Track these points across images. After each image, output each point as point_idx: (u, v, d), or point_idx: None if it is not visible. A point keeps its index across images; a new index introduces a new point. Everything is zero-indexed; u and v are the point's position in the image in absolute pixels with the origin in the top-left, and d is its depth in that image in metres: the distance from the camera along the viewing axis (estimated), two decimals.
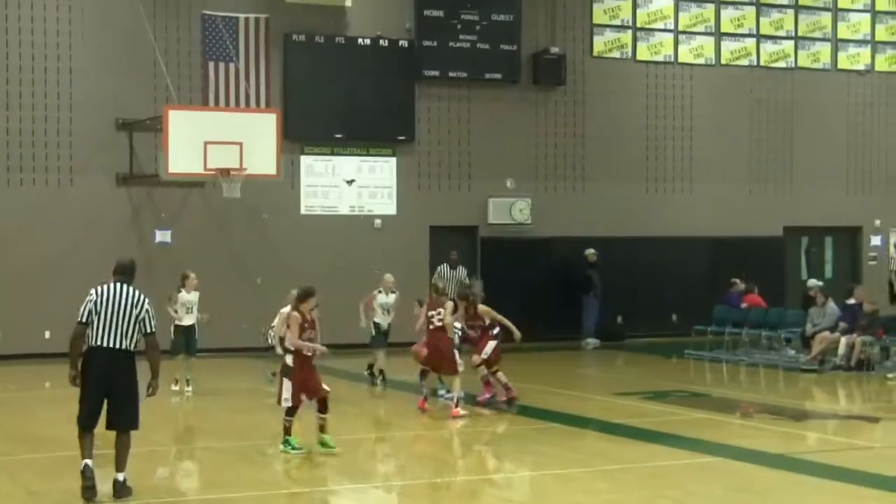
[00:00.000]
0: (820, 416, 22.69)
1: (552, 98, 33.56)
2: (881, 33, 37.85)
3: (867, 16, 37.69)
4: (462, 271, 29.28)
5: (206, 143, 25.88)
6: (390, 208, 32.24)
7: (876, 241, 37.74)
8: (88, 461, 13.42)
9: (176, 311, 23.25)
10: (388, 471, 17.32)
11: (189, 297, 23.38)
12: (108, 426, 13.72)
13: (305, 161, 31.18)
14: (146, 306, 13.77)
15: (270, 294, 29.30)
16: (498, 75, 32.97)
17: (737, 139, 35.65)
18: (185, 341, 23.21)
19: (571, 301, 33.04)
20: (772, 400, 23.98)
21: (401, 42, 32.02)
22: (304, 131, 30.57)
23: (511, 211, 33.22)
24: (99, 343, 13.65)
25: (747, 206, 35.49)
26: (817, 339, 29.01)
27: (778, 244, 36.44)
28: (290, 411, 17.02)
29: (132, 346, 13.62)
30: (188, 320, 23.30)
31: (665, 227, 34.37)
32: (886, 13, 37.88)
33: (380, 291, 24.68)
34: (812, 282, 33.26)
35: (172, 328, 23.08)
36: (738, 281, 32.80)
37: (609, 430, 19.79)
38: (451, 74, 32.51)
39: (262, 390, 22.53)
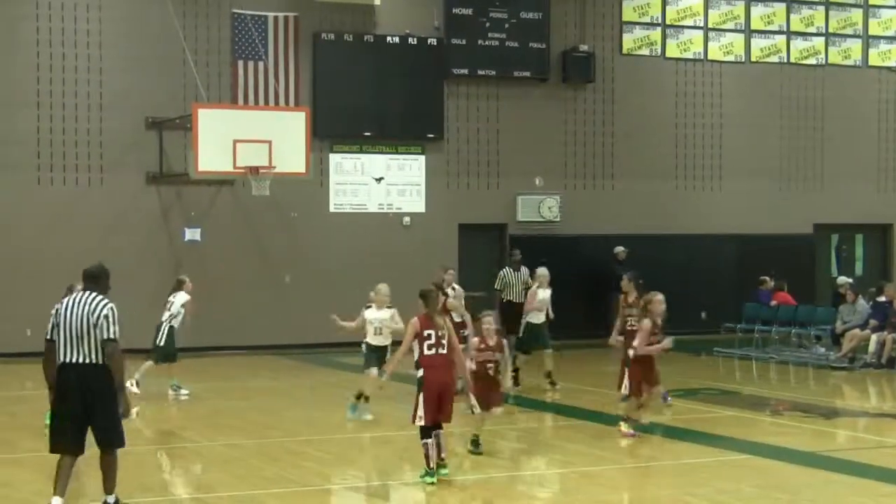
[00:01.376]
0: (850, 414, 22.55)
1: (581, 96, 33.51)
2: None
3: None
4: (525, 273, 27.86)
5: (235, 142, 25.86)
6: (419, 206, 32.22)
7: None
8: (58, 499, 12.42)
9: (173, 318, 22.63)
10: (413, 467, 16.68)
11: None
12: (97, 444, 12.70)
13: (334, 159, 31.15)
14: (104, 311, 12.48)
15: (298, 292, 29.45)
16: (527, 73, 32.95)
17: (766, 136, 35.50)
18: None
19: (600, 299, 32.98)
20: (802, 397, 23.95)
21: (430, 40, 31.96)
22: (333, 129, 30.58)
23: (540, 209, 33.20)
24: (65, 360, 12.60)
25: (777, 204, 35.42)
26: (847, 336, 29.03)
27: (808, 241, 36.37)
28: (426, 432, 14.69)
29: (103, 358, 12.36)
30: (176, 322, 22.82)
31: (694, 225, 34.38)
32: None
33: (368, 306, 20.53)
34: (842, 279, 33.21)
35: (165, 331, 22.72)
36: (767, 279, 32.73)
37: (638, 428, 19.75)
38: (479, 72, 32.45)
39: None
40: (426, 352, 14.75)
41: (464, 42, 32.30)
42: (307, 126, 27.28)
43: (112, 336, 12.32)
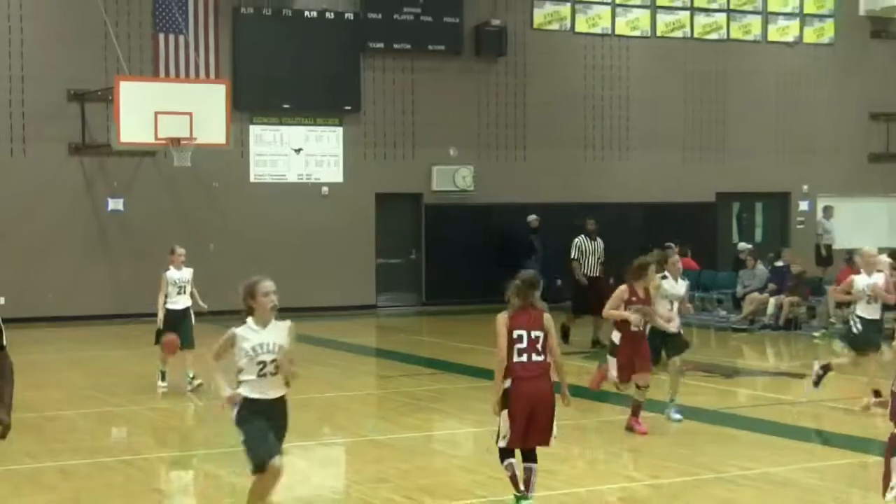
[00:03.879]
0: (750, 373, 23.04)
1: (494, 69, 33.64)
2: (809, 6, 38.03)
3: None
4: (601, 244, 27.26)
5: (156, 113, 25.80)
6: (337, 176, 32.25)
7: (804, 206, 38.12)
8: None
9: (166, 296, 19.22)
10: (332, 429, 17.31)
11: (179, 274, 19.49)
12: None
13: (254, 130, 31.18)
14: None
15: (222, 260, 29.37)
16: (441, 47, 32.99)
17: (671, 109, 35.81)
18: (177, 327, 19.13)
19: (513, 265, 33.05)
20: (705, 358, 24.06)
21: (346, 15, 31.96)
22: (252, 102, 30.56)
23: (454, 178, 33.33)
24: None
25: (681, 173, 35.77)
26: (747, 299, 29.74)
27: (710, 209, 36.78)
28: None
29: None
30: (181, 303, 19.39)
31: (603, 194, 34.44)
32: None
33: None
34: (743, 245, 33.76)
35: (161, 316, 19.24)
36: (671, 244, 32.92)
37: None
38: (395, 46, 32.46)
39: None
40: (516, 358, 11.54)
41: (380, 17, 32.30)
42: (227, 98, 27.32)
43: (4, 344, 8.79)
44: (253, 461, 9.77)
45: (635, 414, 15.80)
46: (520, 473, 11.46)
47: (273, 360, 9.85)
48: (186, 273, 19.59)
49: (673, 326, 16.53)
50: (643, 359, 15.67)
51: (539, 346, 11.47)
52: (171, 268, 19.49)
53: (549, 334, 11.65)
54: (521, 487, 11.42)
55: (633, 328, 15.55)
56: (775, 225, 38.35)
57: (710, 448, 15.16)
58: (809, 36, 38.05)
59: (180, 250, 19.71)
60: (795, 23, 37.86)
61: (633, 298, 15.56)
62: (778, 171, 37.07)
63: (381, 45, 32.28)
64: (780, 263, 30.55)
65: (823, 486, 13.20)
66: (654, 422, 16.34)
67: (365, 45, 32.08)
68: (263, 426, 9.90)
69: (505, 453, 11.56)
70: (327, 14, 31.65)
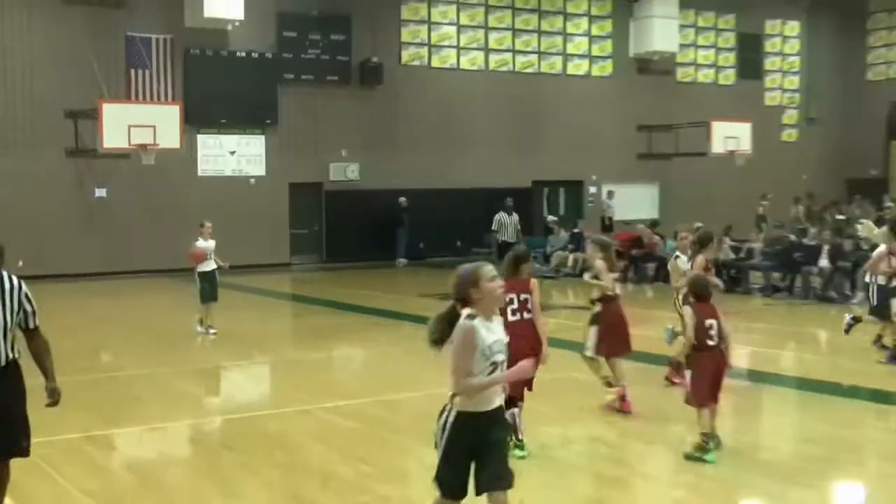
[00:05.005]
0: (556, 308, 22.82)
1: (373, 94, 33.81)
2: (595, 50, 38.60)
3: (586, 38, 38.55)
4: (516, 217, 26.09)
5: (129, 126, 25.88)
6: (261, 171, 32.45)
7: (593, 190, 38.43)
8: None
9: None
10: (260, 352, 17.33)
11: (207, 244, 18.69)
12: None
13: (201, 138, 31.26)
14: (25, 291, 7.28)
15: (177, 231, 29.70)
16: (336, 78, 33.18)
17: (501, 120, 36.04)
18: (209, 287, 18.56)
19: (389, 234, 33.70)
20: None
21: (266, 54, 32.13)
22: (199, 117, 30.58)
23: (345, 172, 33.61)
24: None
25: (509, 167, 35.95)
26: (554, 256, 30.28)
27: (528, 192, 36.98)
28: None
29: (11, 351, 7.17)
30: (209, 266, 18.66)
31: (454, 182, 34.83)
32: (599, 37, 38.71)
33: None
34: (551, 218, 34.32)
35: (197, 276, 18.64)
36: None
37: (417, 321, 20.28)
38: (302, 77, 32.65)
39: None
40: (510, 318, 9.82)
41: (291, 56, 32.51)
42: (181, 115, 27.40)
43: (38, 324, 7.39)
44: (442, 492, 6.53)
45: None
46: (521, 425, 10.03)
47: (503, 362, 6.44)
48: (212, 243, 18.63)
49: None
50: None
51: (529, 306, 10.09)
52: (200, 239, 18.67)
53: (533, 296, 10.16)
54: (521, 435, 10.00)
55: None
56: (573, 203, 38.51)
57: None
58: (595, 71, 38.61)
59: (208, 224, 18.80)
60: (586, 62, 38.43)
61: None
62: (575, 165, 37.54)
63: (292, 76, 32.46)
64: (576, 230, 31.12)
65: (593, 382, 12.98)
66: None
67: (280, 77, 32.24)
68: (467, 452, 6.37)
69: (509, 403, 9.21)
70: (253, 54, 31.84)
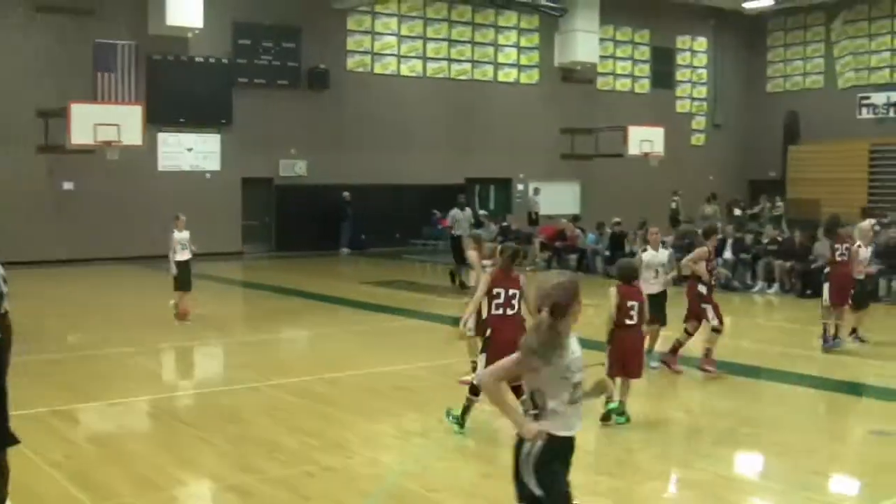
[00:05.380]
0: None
1: (321, 97, 33.73)
2: (524, 60, 38.76)
3: (515, 49, 38.68)
4: (469, 212, 25.63)
5: (95, 125, 25.48)
6: (216, 166, 32.23)
7: (520, 187, 38.59)
8: None
9: (174, 251, 17.86)
10: (214, 333, 17.30)
11: (182, 235, 18.02)
12: None
13: (161, 136, 30.93)
14: (2, 273, 6.51)
15: (139, 221, 29.50)
16: (286, 82, 33.07)
17: (437, 123, 36.13)
18: (183, 276, 17.94)
19: (334, 226, 33.72)
20: (455, 285, 24.97)
21: (223, 59, 31.96)
22: (160, 117, 30.13)
23: (294, 168, 33.53)
24: None
25: (444, 165, 36.07)
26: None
27: (462, 188, 36.18)
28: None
29: None
30: (184, 256, 17.95)
31: (394, 178, 34.83)
32: (527, 48, 38.83)
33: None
34: (482, 212, 34.36)
35: (174, 266, 17.79)
36: (436, 211, 33.80)
37: (356, 305, 20.44)
38: (255, 81, 32.51)
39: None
40: (494, 311, 9.61)
41: (245, 62, 32.36)
42: (143, 115, 26.99)
43: (5, 310, 6.45)
44: None
45: (674, 353, 13.25)
46: (470, 413, 9.89)
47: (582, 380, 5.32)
48: (186, 234, 17.99)
49: (655, 288, 12.91)
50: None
51: (514, 302, 9.54)
52: (175, 230, 17.99)
53: (524, 292, 9.52)
54: (468, 421, 9.89)
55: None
56: (502, 199, 38.69)
57: (459, 342, 15.90)
58: (524, 79, 38.75)
59: (182, 217, 18.17)
60: (515, 70, 38.58)
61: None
62: (504, 164, 37.75)
63: (246, 80, 32.28)
64: (505, 223, 31.33)
65: None
66: (425, 328, 16.72)
67: (235, 80, 32.07)
68: (565, 477, 5.43)
69: (475, 391, 9.63)
70: (210, 59, 31.65)
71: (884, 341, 16.06)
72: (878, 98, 40.24)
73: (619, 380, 10.30)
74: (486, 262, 12.55)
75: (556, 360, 5.14)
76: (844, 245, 15.25)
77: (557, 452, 5.27)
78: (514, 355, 5.21)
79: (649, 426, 10.54)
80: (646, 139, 33.99)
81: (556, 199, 37.55)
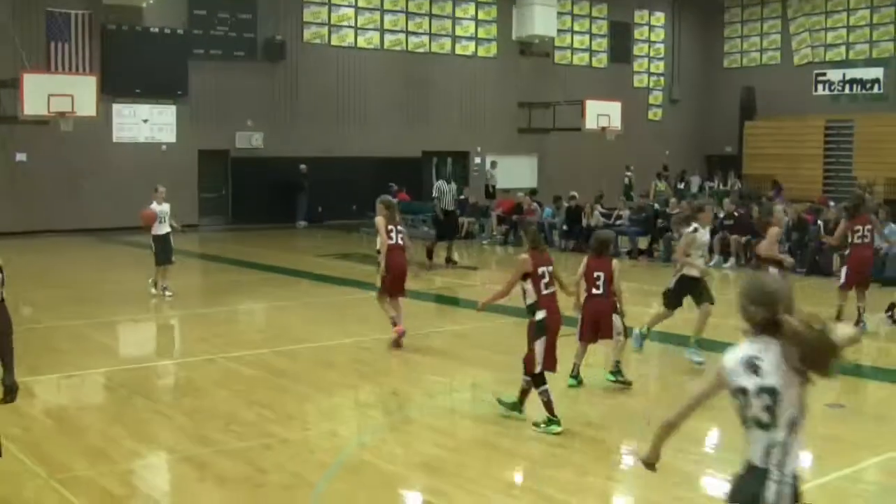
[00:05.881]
0: (443, 267, 22.83)
1: (277, 69, 33.59)
2: (481, 33, 38.64)
3: (473, 22, 38.60)
4: (454, 186, 24.53)
5: (49, 95, 25.20)
6: (172, 138, 32.00)
7: (477, 160, 38.69)
8: None
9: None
10: (169, 307, 17.22)
11: (161, 208, 17.55)
12: None
13: (116, 107, 30.67)
14: None
15: (93, 194, 29.28)
16: (242, 53, 32.84)
17: (394, 95, 36.04)
18: (163, 249, 17.52)
19: (291, 198, 33.66)
20: (420, 259, 24.95)
21: (178, 30, 31.64)
22: (115, 88, 29.94)
23: (250, 140, 33.30)
24: None
25: (401, 138, 36.00)
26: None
27: (418, 161, 37.21)
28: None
29: None
30: (162, 230, 17.55)
31: (351, 151, 34.72)
32: (485, 21, 38.75)
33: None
34: (439, 184, 34.53)
35: (152, 239, 17.58)
36: (393, 184, 33.78)
37: (313, 278, 20.47)
38: (211, 52, 32.25)
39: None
40: (544, 291, 9.14)
41: (201, 32, 32.08)
42: (98, 85, 26.89)
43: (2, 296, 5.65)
44: None
45: None
46: (553, 400, 9.16)
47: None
48: (166, 207, 17.57)
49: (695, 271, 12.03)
50: None
51: (554, 280, 9.35)
52: (154, 203, 17.56)
53: (556, 270, 9.45)
54: (556, 412, 9.12)
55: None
56: (459, 172, 37.72)
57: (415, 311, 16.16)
58: (481, 52, 38.67)
59: (161, 189, 17.76)
60: (472, 43, 38.51)
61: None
62: (462, 137, 37.80)
63: (202, 51, 32.03)
64: (463, 197, 31.44)
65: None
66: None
67: (191, 51, 31.80)
68: None
69: (540, 380, 9.11)
70: (165, 30, 31.32)
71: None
72: (834, 75, 40.67)
73: (581, 345, 10.91)
74: (392, 227, 13.23)
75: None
76: (867, 227, 14.79)
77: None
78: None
79: (605, 396, 10.67)
80: (603, 113, 34.18)
81: (513, 172, 37.67)
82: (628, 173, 36.47)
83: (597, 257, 10.85)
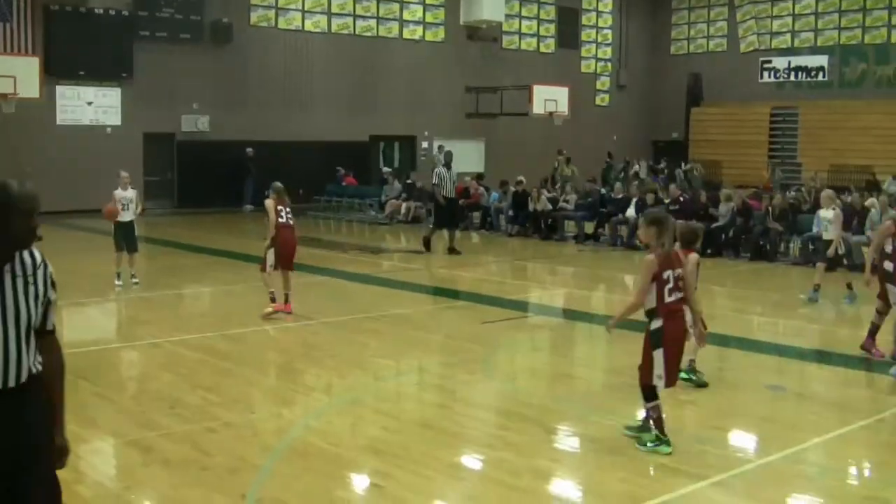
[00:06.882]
0: (389, 252, 23.77)
1: (223, 52, 33.40)
2: (429, 18, 38.74)
3: (421, 6, 38.61)
4: (454, 172, 23.04)
5: None
6: (117, 121, 31.75)
7: (425, 145, 38.79)
8: None
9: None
10: (115, 291, 17.24)
11: (126, 194, 16.86)
12: None
13: (60, 90, 30.40)
14: (51, 270, 4.81)
15: (39, 178, 28.77)
16: (188, 36, 32.65)
17: (341, 80, 36.01)
18: (124, 236, 16.82)
19: (237, 182, 33.49)
20: (360, 242, 24.95)
21: (123, 12, 31.32)
22: (58, 70, 29.75)
23: (196, 123, 33.21)
24: None
25: (348, 123, 36.00)
26: (389, 204, 30.49)
27: (366, 146, 37.29)
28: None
29: (33, 361, 4.41)
30: (126, 216, 16.83)
31: (298, 135, 34.72)
32: (433, 5, 38.80)
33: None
34: (386, 169, 34.71)
35: (113, 225, 16.89)
36: (340, 168, 33.90)
37: (259, 261, 20.23)
38: (157, 34, 32.00)
39: None
40: (667, 298, 8.01)
41: (147, 14, 31.80)
42: (41, 67, 26.82)
43: (54, 325, 4.70)
44: None
45: (872, 336, 11.81)
46: (665, 418, 8.16)
47: None
48: (130, 193, 16.92)
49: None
50: None
51: (680, 284, 8.12)
52: (119, 189, 16.88)
53: (685, 272, 8.32)
54: (666, 430, 8.08)
55: None
56: (407, 157, 38.93)
57: (361, 297, 15.84)
58: (429, 36, 38.77)
59: (124, 174, 17.12)
60: (420, 28, 38.56)
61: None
62: (409, 122, 37.89)
63: (147, 33, 31.75)
64: (409, 181, 31.63)
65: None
66: (326, 284, 16.88)
67: (136, 33, 31.52)
68: None
69: (653, 395, 8.13)
70: (110, 11, 31.01)
71: (781, 301, 16.57)
72: (780, 62, 41.15)
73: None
74: (282, 208, 14.30)
75: None
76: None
77: None
78: None
79: (555, 380, 10.69)
80: (550, 98, 34.33)
81: (461, 157, 36.98)
82: (559, 157, 36.56)
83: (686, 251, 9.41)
